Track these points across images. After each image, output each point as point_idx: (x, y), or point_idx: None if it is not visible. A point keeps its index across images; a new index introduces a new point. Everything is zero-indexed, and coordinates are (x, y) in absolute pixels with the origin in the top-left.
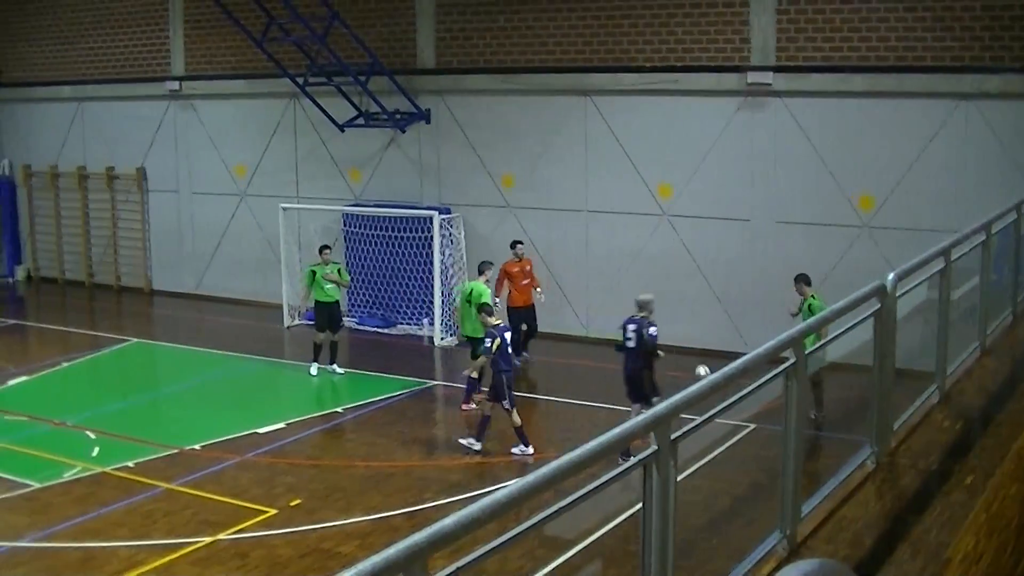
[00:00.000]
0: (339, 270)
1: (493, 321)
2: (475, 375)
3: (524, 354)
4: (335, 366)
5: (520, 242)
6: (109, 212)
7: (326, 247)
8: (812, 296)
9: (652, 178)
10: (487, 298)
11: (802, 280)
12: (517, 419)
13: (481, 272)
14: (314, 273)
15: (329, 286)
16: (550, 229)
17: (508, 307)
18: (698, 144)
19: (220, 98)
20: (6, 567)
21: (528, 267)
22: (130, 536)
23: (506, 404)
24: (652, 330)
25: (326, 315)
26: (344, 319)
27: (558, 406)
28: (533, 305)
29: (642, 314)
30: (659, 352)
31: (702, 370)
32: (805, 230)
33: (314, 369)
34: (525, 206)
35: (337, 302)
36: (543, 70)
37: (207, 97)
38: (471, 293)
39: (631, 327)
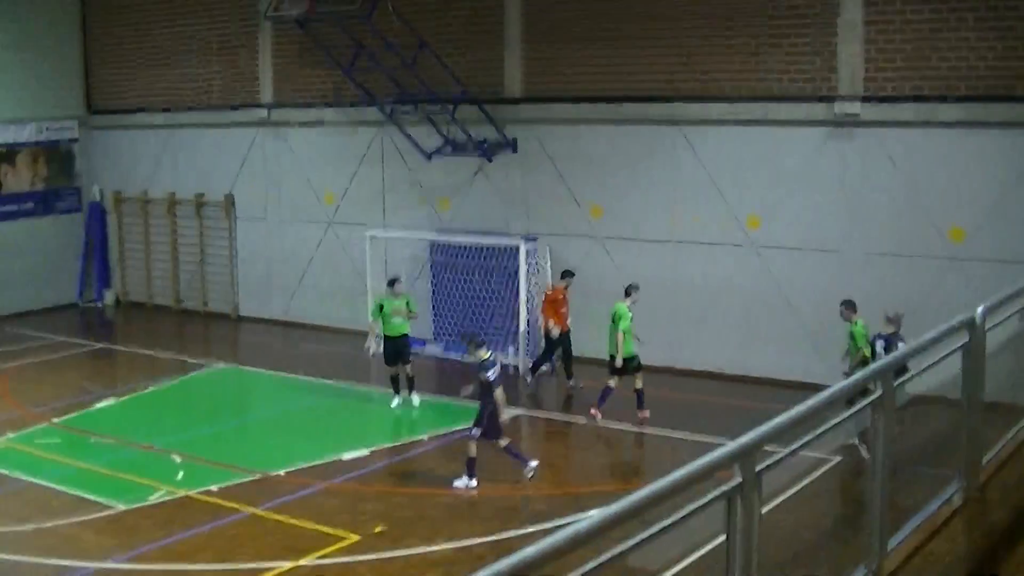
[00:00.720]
0: (408, 302)
1: (484, 354)
2: (613, 384)
3: (572, 381)
4: (414, 396)
5: (572, 273)
6: (197, 238)
7: (396, 280)
8: (856, 322)
9: (741, 209)
10: (627, 321)
11: (847, 305)
12: (473, 450)
13: (628, 294)
14: (382, 307)
15: (398, 319)
16: (638, 259)
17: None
18: (786, 175)
19: (309, 126)
20: None
21: (565, 295)
22: (214, 560)
23: (475, 431)
24: (901, 345)
25: (394, 349)
26: (420, 346)
27: (643, 438)
28: (569, 331)
29: (891, 330)
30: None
31: None
32: (894, 261)
33: (395, 402)
34: (612, 236)
35: (406, 335)
36: (632, 99)
37: (296, 125)
38: (615, 314)
39: (879, 343)
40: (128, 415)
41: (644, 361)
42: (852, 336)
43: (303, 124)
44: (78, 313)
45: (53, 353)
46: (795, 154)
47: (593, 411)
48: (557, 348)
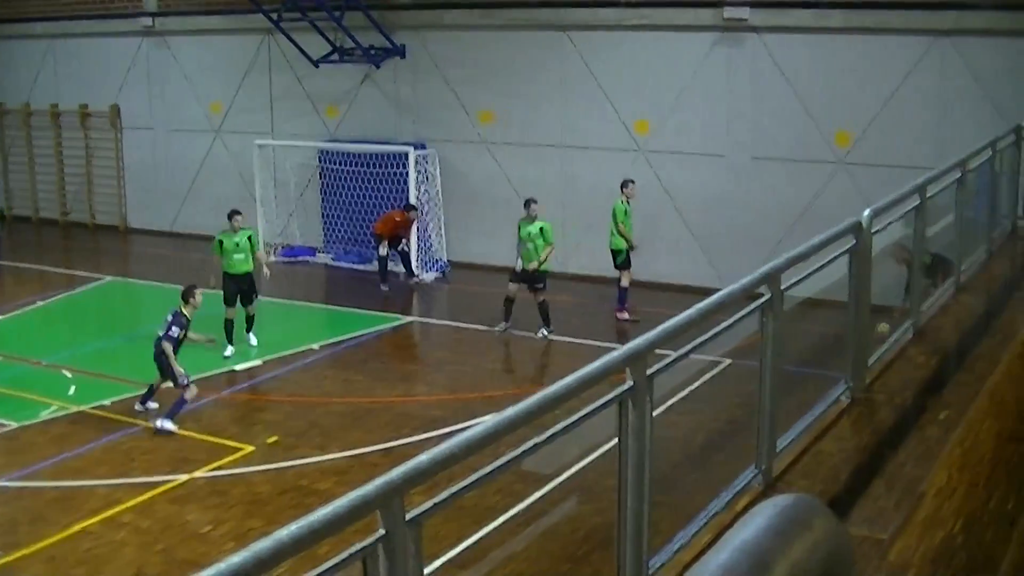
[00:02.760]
0: (250, 237)
1: None
2: (626, 284)
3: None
4: (251, 335)
5: (415, 207)
6: (83, 149)
7: (236, 212)
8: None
9: (629, 114)
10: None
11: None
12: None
13: (623, 189)
14: (222, 243)
15: (239, 256)
16: (527, 165)
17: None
18: (675, 80)
19: (194, 34)
20: None
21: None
22: (109, 475)
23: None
24: None
25: (235, 288)
26: (311, 255)
27: (539, 342)
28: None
29: None
30: None
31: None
32: (782, 166)
33: (228, 351)
34: (502, 142)
35: (249, 273)
36: (520, 5)
37: (181, 33)
38: (614, 211)
39: None
40: (16, 331)
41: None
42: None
43: (188, 32)
44: None
45: None
46: (683, 60)
47: (620, 314)
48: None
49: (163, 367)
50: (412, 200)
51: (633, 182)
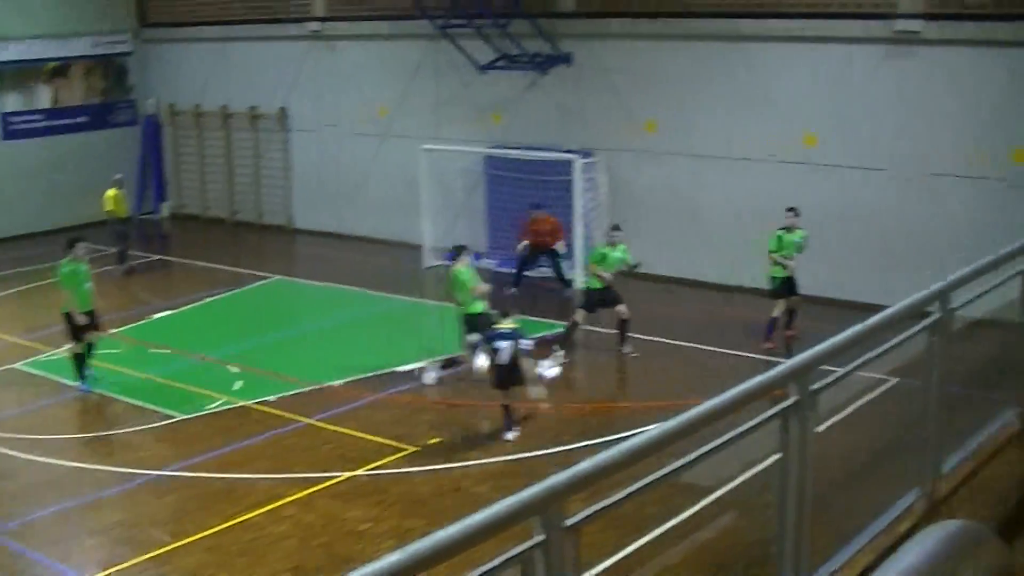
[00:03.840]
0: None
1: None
2: (776, 313)
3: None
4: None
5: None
6: (252, 150)
7: (462, 248)
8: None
9: (797, 126)
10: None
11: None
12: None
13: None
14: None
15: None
16: (693, 176)
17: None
18: (843, 93)
19: (361, 39)
20: (152, 494)
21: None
22: (271, 469)
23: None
24: None
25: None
26: (476, 259)
27: (702, 354)
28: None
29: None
30: None
31: None
32: (952, 182)
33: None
34: (667, 151)
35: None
36: (688, 15)
37: (348, 38)
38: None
39: None
40: (185, 326)
41: (692, 276)
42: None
43: (355, 37)
44: (135, 226)
45: (111, 265)
46: (854, 72)
47: (766, 343)
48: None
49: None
50: (577, 208)
51: (794, 211)
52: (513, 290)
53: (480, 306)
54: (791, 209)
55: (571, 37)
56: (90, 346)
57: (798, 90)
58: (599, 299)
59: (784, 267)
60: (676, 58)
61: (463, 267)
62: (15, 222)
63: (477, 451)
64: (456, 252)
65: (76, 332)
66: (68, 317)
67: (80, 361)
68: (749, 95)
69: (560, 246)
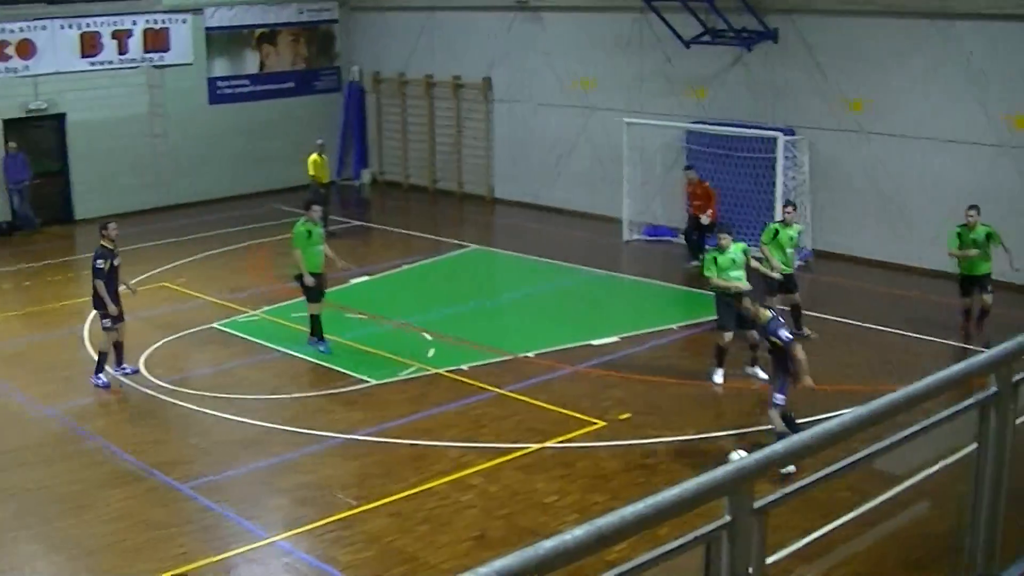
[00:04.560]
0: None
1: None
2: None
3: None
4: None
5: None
6: (454, 120)
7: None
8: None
9: (1002, 108)
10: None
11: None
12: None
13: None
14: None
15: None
16: (897, 156)
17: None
18: None
19: (565, 11)
20: (342, 457)
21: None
22: (459, 438)
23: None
24: None
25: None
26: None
27: (893, 339)
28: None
29: None
30: None
31: None
32: None
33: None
34: (871, 131)
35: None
36: None
37: (552, 10)
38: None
39: None
40: (381, 292)
41: (882, 258)
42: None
43: (560, 9)
44: (336, 191)
45: None
46: None
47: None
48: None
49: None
50: (779, 186)
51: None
52: (693, 263)
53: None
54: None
55: (777, 12)
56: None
57: (1007, 70)
58: (782, 286)
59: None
60: (882, 35)
61: (727, 246)
62: (219, 185)
63: (665, 429)
64: (718, 233)
65: (310, 293)
66: (300, 278)
67: (316, 323)
68: (955, 74)
69: (706, 216)
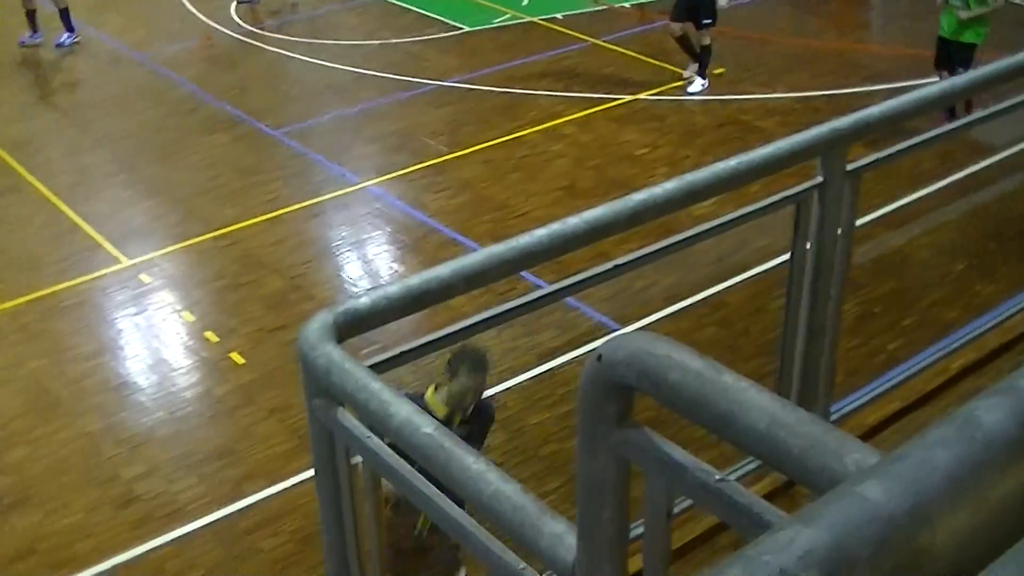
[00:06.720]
0: None
1: None
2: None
3: None
4: None
5: None
6: None
7: None
8: None
9: None
10: None
11: None
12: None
13: None
14: None
15: None
16: None
17: None
18: None
19: None
20: (432, 104)
21: None
22: (551, 87)
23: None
24: None
25: None
26: None
27: None
28: None
29: None
30: None
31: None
32: None
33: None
34: None
35: None
36: None
37: None
38: None
39: None
40: None
41: None
42: None
43: None
44: None
45: None
46: None
47: None
48: None
49: None
50: None
51: None
52: None
53: None
54: None
55: None
56: None
57: None
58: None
59: None
60: None
61: None
62: None
63: (761, 86)
64: None
65: None
66: None
67: None
68: None
69: None
